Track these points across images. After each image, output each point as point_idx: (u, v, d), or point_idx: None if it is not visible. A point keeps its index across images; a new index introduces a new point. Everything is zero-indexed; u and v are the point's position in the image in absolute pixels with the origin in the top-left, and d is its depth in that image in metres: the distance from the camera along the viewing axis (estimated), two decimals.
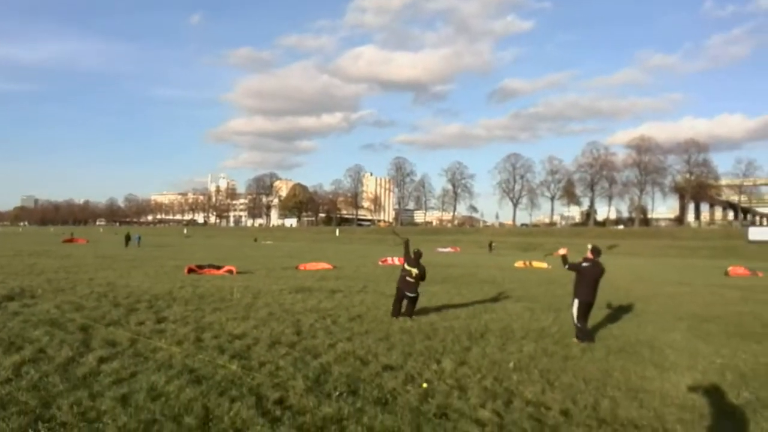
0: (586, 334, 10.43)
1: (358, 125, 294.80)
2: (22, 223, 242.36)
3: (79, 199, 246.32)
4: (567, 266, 10.82)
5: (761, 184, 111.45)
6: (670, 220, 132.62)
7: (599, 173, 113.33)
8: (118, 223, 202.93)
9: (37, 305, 11.89)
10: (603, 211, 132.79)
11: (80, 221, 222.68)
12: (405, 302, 12.56)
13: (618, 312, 14.64)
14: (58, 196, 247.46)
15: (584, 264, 10.64)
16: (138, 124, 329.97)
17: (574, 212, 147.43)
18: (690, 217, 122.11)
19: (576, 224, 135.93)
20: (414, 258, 12.76)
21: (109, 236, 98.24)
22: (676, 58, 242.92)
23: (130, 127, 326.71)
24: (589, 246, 10.70)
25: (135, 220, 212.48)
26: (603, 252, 11.24)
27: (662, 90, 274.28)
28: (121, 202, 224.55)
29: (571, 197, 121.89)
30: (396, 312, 12.44)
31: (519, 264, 37.24)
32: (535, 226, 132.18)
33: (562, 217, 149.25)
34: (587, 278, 10.52)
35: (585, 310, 10.52)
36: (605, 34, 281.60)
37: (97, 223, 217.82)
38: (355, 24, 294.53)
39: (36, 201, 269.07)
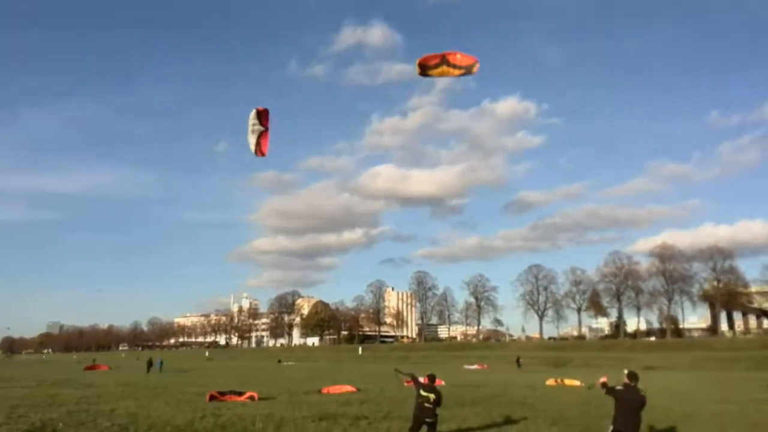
0: None
1: (378, 240, 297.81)
2: (45, 351, 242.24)
3: (103, 324, 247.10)
4: (605, 391, 10.35)
5: None
6: (702, 329, 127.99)
7: (624, 283, 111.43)
8: (140, 348, 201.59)
9: None
10: (632, 322, 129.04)
11: (103, 346, 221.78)
12: (425, 428, 12.19)
13: None
14: (83, 322, 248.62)
15: (618, 387, 10.17)
16: (163, 247, 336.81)
17: (603, 324, 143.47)
18: (723, 326, 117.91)
19: (605, 336, 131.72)
20: (429, 382, 12.51)
21: (132, 362, 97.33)
22: (689, 166, 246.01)
23: (156, 251, 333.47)
24: (625, 371, 10.29)
25: (157, 343, 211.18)
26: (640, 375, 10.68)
27: (679, 198, 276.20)
28: (144, 326, 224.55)
29: (597, 308, 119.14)
30: None
31: (550, 382, 35.80)
32: (563, 339, 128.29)
33: (591, 329, 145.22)
34: (625, 406, 9.97)
35: None
36: (615, 146, 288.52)
37: (120, 348, 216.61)
38: (373, 145, 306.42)
39: (61, 327, 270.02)
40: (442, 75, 14.10)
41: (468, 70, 14.08)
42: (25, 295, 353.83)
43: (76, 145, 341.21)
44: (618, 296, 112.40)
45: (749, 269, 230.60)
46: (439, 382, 34.85)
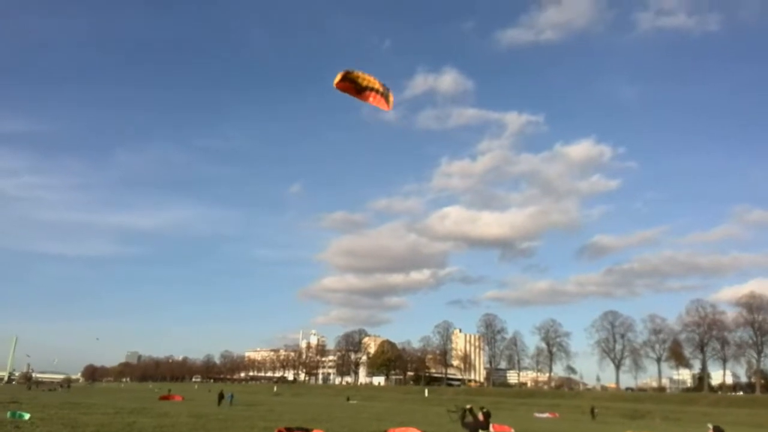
0: None
1: (446, 282, 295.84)
2: (124, 380, 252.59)
3: (178, 356, 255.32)
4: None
5: None
6: None
7: (708, 333, 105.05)
8: (212, 380, 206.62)
9: None
10: (717, 375, 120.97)
11: (177, 377, 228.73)
12: None
13: None
14: (159, 353, 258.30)
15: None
16: (236, 283, 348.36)
17: (685, 375, 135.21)
18: None
19: (687, 389, 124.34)
20: (485, 419, 12.30)
21: (204, 393, 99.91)
22: None
23: (229, 286, 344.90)
24: (709, 425, 9.83)
25: (228, 377, 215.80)
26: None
27: (767, 245, 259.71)
28: (217, 359, 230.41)
29: (679, 359, 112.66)
30: None
31: None
32: (642, 390, 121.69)
33: (671, 380, 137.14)
34: None
35: None
36: (696, 190, 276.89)
37: (193, 379, 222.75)
38: (441, 187, 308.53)
39: (139, 357, 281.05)
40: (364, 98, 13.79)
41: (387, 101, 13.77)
42: (107, 326, 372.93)
43: (160, 184, 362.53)
44: (701, 347, 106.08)
45: None
46: (509, 429, 34.07)
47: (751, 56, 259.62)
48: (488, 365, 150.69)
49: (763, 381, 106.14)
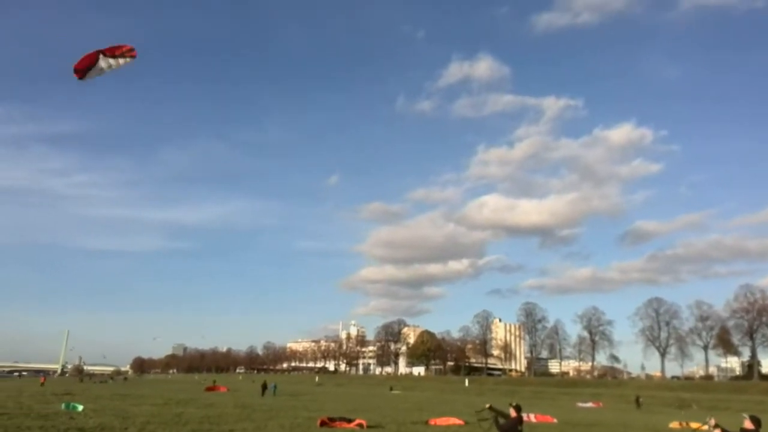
0: None
1: (485, 271, 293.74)
2: (171, 371, 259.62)
3: (223, 347, 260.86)
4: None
5: None
6: None
7: (758, 319, 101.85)
8: (255, 371, 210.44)
9: None
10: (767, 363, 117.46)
11: (222, 369, 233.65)
12: None
13: None
14: (204, 345, 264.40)
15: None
16: (278, 275, 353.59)
17: (733, 363, 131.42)
18: None
19: (736, 377, 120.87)
20: (517, 414, 11.66)
21: (248, 384, 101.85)
22: None
23: (271, 278, 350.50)
24: (745, 415, 9.36)
25: (271, 367, 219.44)
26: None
27: None
28: (259, 350, 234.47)
29: (726, 346, 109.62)
30: None
31: (674, 425, 33.40)
32: (688, 379, 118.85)
33: (719, 369, 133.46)
34: None
35: None
36: (741, 173, 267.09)
37: (237, 370, 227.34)
38: (479, 176, 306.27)
39: (185, 349, 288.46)
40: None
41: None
42: (154, 318, 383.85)
43: (204, 179, 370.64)
44: (751, 334, 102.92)
45: None
46: (551, 419, 33.75)
47: None
48: (529, 354, 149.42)
49: None
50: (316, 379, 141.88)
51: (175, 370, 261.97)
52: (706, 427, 9.77)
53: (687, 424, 33.42)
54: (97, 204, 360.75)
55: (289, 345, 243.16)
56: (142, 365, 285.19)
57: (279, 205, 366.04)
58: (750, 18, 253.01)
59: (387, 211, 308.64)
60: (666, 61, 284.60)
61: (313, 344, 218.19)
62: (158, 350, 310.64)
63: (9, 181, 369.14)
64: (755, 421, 9.18)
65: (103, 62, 12.61)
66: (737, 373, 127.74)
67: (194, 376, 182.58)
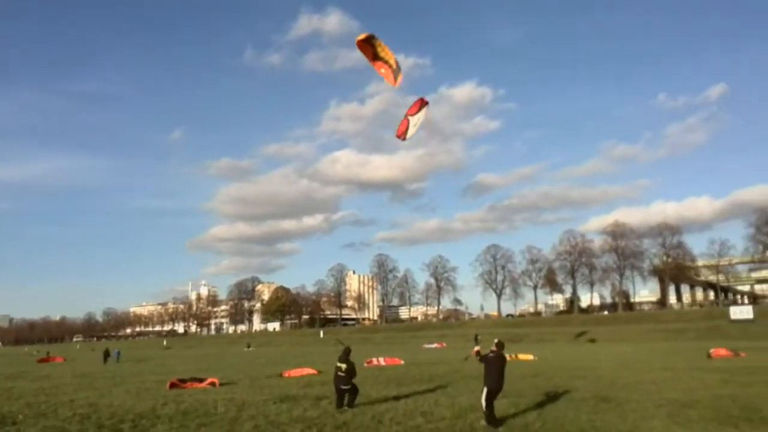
0: (494, 419, 11.80)
1: (339, 225, 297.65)
2: None
3: (56, 316, 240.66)
4: (479, 359, 12.43)
5: (737, 263, 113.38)
6: (653, 303, 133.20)
7: (578, 260, 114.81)
8: (95, 339, 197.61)
9: None
10: (586, 298, 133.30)
11: (56, 339, 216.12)
12: (346, 397, 14.52)
13: (601, 402, 14.80)
14: (33, 314, 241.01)
15: (490, 355, 12.17)
16: (117, 236, 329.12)
17: (558, 300, 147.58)
18: (672, 299, 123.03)
19: (561, 312, 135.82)
20: (344, 354, 14.75)
21: (87, 353, 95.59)
22: (638, 147, 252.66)
23: (110, 240, 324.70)
24: (495, 340, 12.56)
25: (113, 334, 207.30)
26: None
27: (630, 177, 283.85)
28: (99, 317, 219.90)
29: (553, 285, 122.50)
30: (339, 404, 14.49)
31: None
32: (521, 316, 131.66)
33: (547, 305, 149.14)
34: (494, 368, 12.02)
35: (492, 397, 11.91)
36: (568, 129, 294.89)
37: (74, 339, 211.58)
38: (331, 131, 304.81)
39: (11, 320, 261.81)
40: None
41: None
42: None
43: (25, 132, 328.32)
44: (572, 273, 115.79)
45: (696, 244, 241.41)
46: (399, 361, 35.71)
47: (615, 2, 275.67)
48: (381, 303, 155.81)
49: (624, 300, 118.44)
50: (164, 342, 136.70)
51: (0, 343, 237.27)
52: (477, 348, 12.78)
53: (516, 356, 37.25)
54: None
55: (132, 309, 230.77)
56: None
57: (118, 161, 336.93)
58: None
59: (237, 167, 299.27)
60: (505, 23, 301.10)
61: (159, 307, 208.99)
62: None
63: None
64: (499, 344, 12.44)
65: None
66: (561, 308, 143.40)
67: (23, 348, 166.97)
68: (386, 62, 14.30)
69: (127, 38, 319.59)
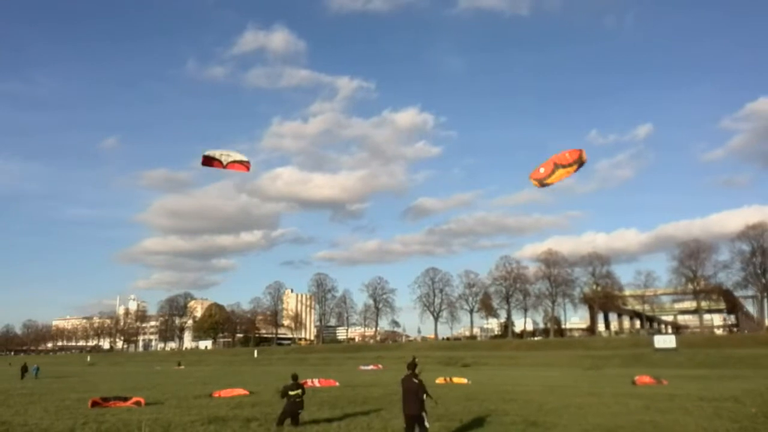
0: None
1: (278, 243, 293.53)
2: None
3: None
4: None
5: (661, 294, 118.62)
6: (583, 329, 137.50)
7: (513, 286, 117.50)
8: (12, 353, 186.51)
9: None
10: (520, 323, 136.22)
11: None
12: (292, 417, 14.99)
13: (530, 426, 15.09)
14: None
15: (403, 378, 11.81)
16: (41, 245, 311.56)
17: (493, 324, 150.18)
18: (600, 326, 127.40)
19: (495, 336, 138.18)
20: (294, 382, 15.09)
21: (3, 367, 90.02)
22: (570, 180, 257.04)
23: (33, 249, 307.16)
24: (412, 356, 12.69)
25: (33, 348, 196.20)
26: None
27: (563, 208, 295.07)
28: (18, 329, 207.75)
29: (488, 310, 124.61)
30: (281, 422, 14.88)
31: (440, 380, 37.28)
32: (457, 339, 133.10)
33: (482, 329, 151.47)
34: (406, 391, 11.62)
35: (408, 425, 11.45)
36: (504, 158, 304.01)
37: None
38: (273, 148, 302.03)
39: None
40: (560, 179, 14.64)
41: (580, 163, 14.51)
42: None
43: None
44: (507, 298, 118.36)
45: (624, 274, 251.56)
46: (334, 383, 35.41)
47: (552, 41, 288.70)
48: (318, 323, 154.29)
49: (556, 326, 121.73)
50: (88, 358, 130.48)
51: None
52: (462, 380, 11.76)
53: (450, 379, 37.63)
54: None
55: (55, 323, 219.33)
56: None
57: (44, 167, 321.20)
58: (515, 22, 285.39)
59: (173, 178, 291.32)
60: (449, 53, 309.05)
61: (84, 321, 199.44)
62: None
63: None
64: (410, 365, 12.11)
65: None
66: (496, 332, 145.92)
67: None
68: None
69: (62, 39, 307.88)
